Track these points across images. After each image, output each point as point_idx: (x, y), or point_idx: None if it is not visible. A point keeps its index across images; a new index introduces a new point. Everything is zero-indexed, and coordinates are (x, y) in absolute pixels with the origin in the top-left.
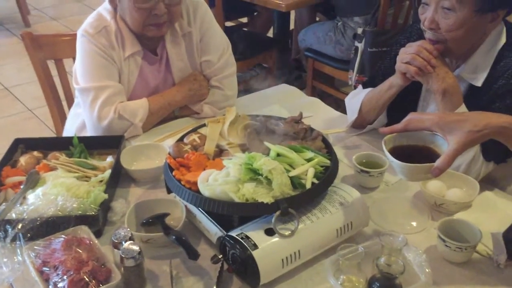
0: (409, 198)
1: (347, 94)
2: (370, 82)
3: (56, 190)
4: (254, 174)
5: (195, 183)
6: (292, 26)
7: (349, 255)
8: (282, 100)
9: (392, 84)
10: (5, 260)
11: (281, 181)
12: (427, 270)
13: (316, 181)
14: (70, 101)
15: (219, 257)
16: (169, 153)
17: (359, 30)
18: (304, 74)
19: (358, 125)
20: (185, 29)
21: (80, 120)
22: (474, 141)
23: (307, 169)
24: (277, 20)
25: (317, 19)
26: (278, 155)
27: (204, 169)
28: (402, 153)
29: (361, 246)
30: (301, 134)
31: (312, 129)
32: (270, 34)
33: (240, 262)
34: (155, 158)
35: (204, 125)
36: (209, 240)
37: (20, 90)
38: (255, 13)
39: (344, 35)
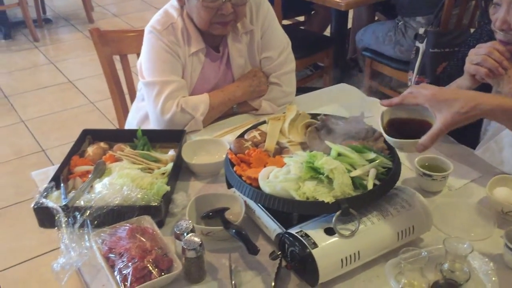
0: (473, 204)
1: None
2: (435, 83)
3: (122, 180)
4: (315, 172)
5: (256, 179)
6: (349, 25)
7: (412, 259)
8: (342, 99)
9: (460, 86)
10: (73, 245)
11: (342, 180)
12: (493, 279)
13: (378, 182)
14: (133, 95)
15: (278, 253)
16: (230, 149)
17: (421, 30)
18: (359, 74)
19: None
20: (247, 27)
21: (141, 114)
22: (459, 122)
23: (368, 169)
24: (335, 19)
25: (376, 18)
26: (339, 154)
27: (265, 166)
28: (399, 125)
29: (424, 251)
30: (362, 134)
31: (373, 130)
32: (327, 33)
33: (299, 259)
34: (214, 153)
35: (264, 122)
36: (267, 236)
37: (83, 84)
38: (312, 12)
39: (405, 35)
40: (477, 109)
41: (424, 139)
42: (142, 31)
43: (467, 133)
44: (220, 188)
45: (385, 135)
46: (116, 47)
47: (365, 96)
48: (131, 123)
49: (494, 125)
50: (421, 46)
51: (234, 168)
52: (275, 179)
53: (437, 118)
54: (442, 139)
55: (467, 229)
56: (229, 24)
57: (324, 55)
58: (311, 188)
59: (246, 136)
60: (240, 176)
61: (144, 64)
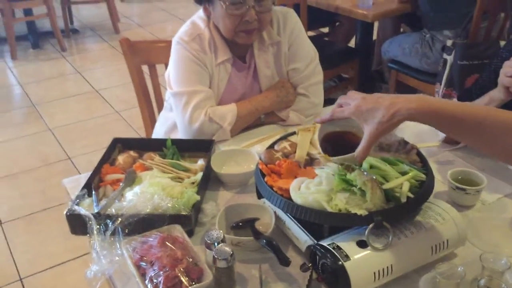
0: (508, 219)
1: None
2: (466, 96)
3: (153, 189)
4: (347, 184)
5: (287, 190)
6: (374, 37)
7: (448, 274)
8: None
9: (493, 98)
10: (104, 252)
11: (375, 193)
12: None
13: (411, 196)
14: (160, 105)
15: (309, 265)
16: (260, 159)
17: (449, 42)
18: (384, 86)
19: (451, 140)
20: (274, 38)
21: (169, 123)
22: (384, 131)
23: (402, 182)
24: (360, 31)
25: (401, 30)
26: (372, 167)
27: (295, 177)
28: (336, 140)
29: (460, 266)
30: (394, 147)
31: (405, 142)
32: (351, 44)
33: (330, 272)
34: (243, 164)
35: (294, 133)
36: (298, 247)
37: (109, 93)
38: (337, 23)
39: (432, 47)
40: (397, 115)
41: (357, 152)
42: (171, 41)
43: None
44: (250, 199)
45: (322, 153)
46: (144, 57)
47: None
48: (158, 133)
49: None
50: (449, 58)
51: (265, 179)
52: (306, 190)
53: (365, 129)
54: (473, 154)
55: (501, 245)
56: (254, 33)
57: (348, 66)
58: (344, 200)
59: (276, 147)
60: (271, 187)
61: (172, 74)
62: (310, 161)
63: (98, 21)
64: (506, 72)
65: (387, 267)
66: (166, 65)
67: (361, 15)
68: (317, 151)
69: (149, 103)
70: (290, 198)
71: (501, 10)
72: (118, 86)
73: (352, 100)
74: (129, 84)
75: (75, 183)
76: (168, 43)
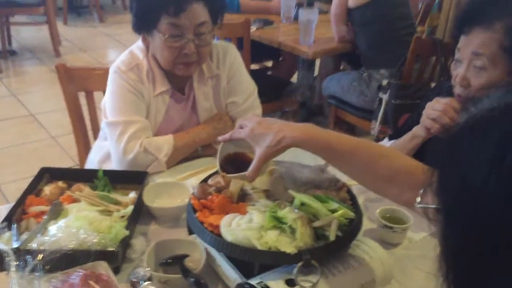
0: (433, 257)
1: None
2: (397, 134)
3: (79, 223)
4: (278, 222)
5: (218, 227)
6: (316, 73)
7: None
8: None
9: (415, 134)
10: None
11: (305, 231)
12: None
13: (340, 234)
14: (96, 133)
15: None
16: (193, 194)
17: (384, 82)
18: (324, 121)
19: None
20: (213, 71)
21: (103, 153)
22: (271, 155)
23: (331, 220)
24: (302, 66)
25: (342, 67)
26: (302, 204)
27: (227, 213)
28: (235, 159)
29: None
30: (325, 184)
31: (337, 179)
32: (294, 79)
33: None
34: (177, 197)
35: None
36: (227, 285)
37: (45, 118)
38: (280, 58)
39: (369, 85)
40: (283, 141)
41: (248, 172)
42: (109, 69)
43: None
44: (182, 233)
45: (219, 171)
46: (82, 83)
47: None
48: (92, 162)
49: None
50: (384, 97)
51: (196, 214)
52: (237, 227)
53: (256, 151)
54: None
55: (426, 284)
56: (193, 65)
57: (291, 100)
58: (274, 238)
59: (210, 181)
60: (202, 223)
61: (108, 103)
62: (243, 196)
63: (38, 44)
64: (428, 114)
65: None
66: (104, 93)
67: (302, 51)
68: (250, 187)
69: (85, 131)
70: (220, 235)
71: (432, 54)
72: (55, 111)
73: (249, 123)
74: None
75: None
76: (107, 71)
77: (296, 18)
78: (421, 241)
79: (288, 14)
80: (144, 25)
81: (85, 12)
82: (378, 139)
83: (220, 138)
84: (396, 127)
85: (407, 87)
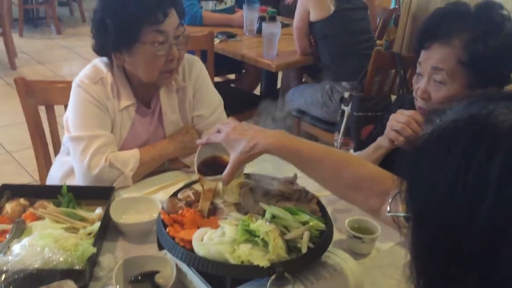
0: (401, 267)
1: None
2: (361, 146)
3: (43, 241)
4: (250, 235)
5: (189, 242)
6: (278, 85)
7: None
8: (273, 158)
9: (379, 145)
10: None
11: (277, 244)
12: None
13: (311, 245)
14: (57, 148)
15: None
16: (162, 208)
17: (346, 94)
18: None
19: None
20: (179, 83)
21: (65, 168)
22: (245, 160)
23: (302, 232)
24: (265, 79)
25: (303, 80)
26: (274, 216)
27: (199, 227)
28: (212, 162)
29: None
30: (295, 196)
31: (306, 191)
32: (256, 91)
33: None
34: (145, 212)
35: (198, 181)
36: None
37: (1, 132)
38: (243, 71)
39: (331, 98)
40: (256, 148)
41: (224, 175)
42: (71, 82)
43: None
44: (150, 249)
45: (196, 173)
46: (42, 97)
47: None
48: (54, 178)
49: None
50: (346, 109)
51: (167, 229)
52: (209, 241)
53: (231, 155)
54: None
55: None
56: (174, 72)
57: (254, 113)
58: (246, 251)
59: (179, 195)
60: (173, 238)
61: (71, 118)
62: (214, 210)
63: None
64: (392, 126)
65: None
66: (66, 107)
67: (266, 64)
68: (220, 200)
69: (45, 146)
70: (192, 250)
71: (392, 67)
72: (12, 125)
73: (225, 127)
74: (25, 124)
75: None
76: (68, 84)
77: (258, 31)
78: (389, 250)
79: (251, 27)
80: (124, 40)
81: (42, 23)
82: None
83: (198, 141)
84: (358, 139)
85: (369, 99)
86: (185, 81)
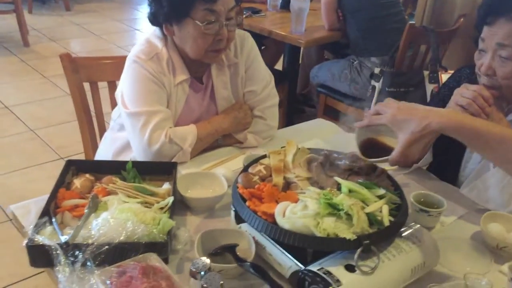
0: (467, 240)
1: None
2: None
3: (125, 215)
4: (333, 209)
5: (271, 215)
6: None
7: None
8: (320, 134)
9: None
10: (73, 286)
11: (361, 217)
12: None
13: (391, 218)
14: (101, 125)
15: None
16: (238, 183)
17: (377, 70)
18: (308, 110)
19: (403, 164)
20: (231, 60)
21: (118, 145)
22: (417, 139)
23: (381, 205)
24: (288, 55)
25: (325, 56)
26: (350, 191)
27: (277, 201)
28: (372, 144)
29: (448, 285)
30: (365, 170)
31: (375, 166)
32: (277, 67)
33: None
34: (208, 187)
35: (265, 156)
36: (278, 273)
37: (21, 110)
38: (262, 47)
39: (360, 73)
40: (428, 127)
41: (392, 156)
42: (118, 58)
43: (447, 171)
44: (219, 223)
45: (361, 156)
46: (86, 73)
47: (343, 132)
48: (103, 155)
49: (475, 163)
50: (377, 85)
51: (247, 203)
52: (292, 215)
53: (399, 136)
54: (425, 177)
55: (464, 264)
56: (221, 52)
57: (278, 89)
58: (332, 224)
59: (250, 170)
60: (255, 212)
61: (127, 94)
62: (287, 184)
63: (4, 33)
64: (457, 100)
65: None
66: (111, 83)
67: (295, 40)
68: (293, 175)
69: (91, 122)
70: (274, 223)
71: (424, 42)
72: (31, 103)
73: (388, 109)
74: (44, 101)
75: (24, 209)
76: (114, 59)
77: (282, 6)
78: (452, 224)
79: (274, 3)
80: (176, 14)
81: (50, 0)
82: None
83: (357, 124)
84: None
85: (401, 74)
86: (237, 57)
